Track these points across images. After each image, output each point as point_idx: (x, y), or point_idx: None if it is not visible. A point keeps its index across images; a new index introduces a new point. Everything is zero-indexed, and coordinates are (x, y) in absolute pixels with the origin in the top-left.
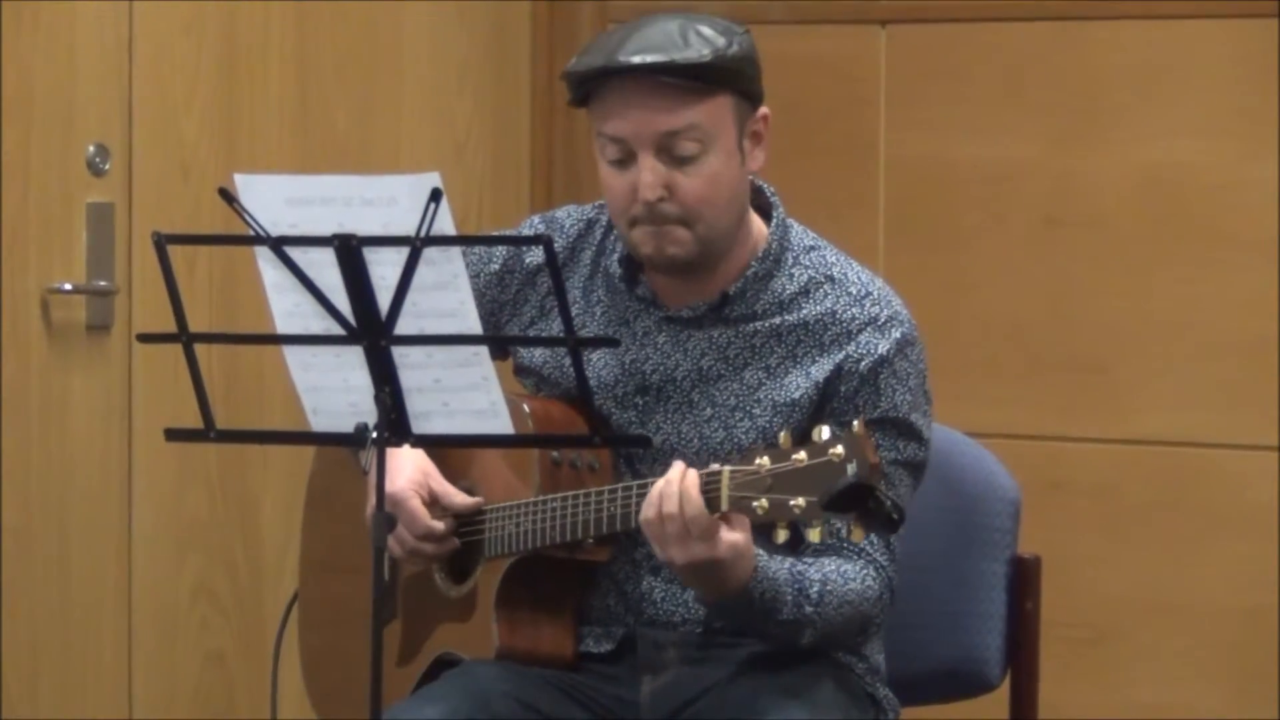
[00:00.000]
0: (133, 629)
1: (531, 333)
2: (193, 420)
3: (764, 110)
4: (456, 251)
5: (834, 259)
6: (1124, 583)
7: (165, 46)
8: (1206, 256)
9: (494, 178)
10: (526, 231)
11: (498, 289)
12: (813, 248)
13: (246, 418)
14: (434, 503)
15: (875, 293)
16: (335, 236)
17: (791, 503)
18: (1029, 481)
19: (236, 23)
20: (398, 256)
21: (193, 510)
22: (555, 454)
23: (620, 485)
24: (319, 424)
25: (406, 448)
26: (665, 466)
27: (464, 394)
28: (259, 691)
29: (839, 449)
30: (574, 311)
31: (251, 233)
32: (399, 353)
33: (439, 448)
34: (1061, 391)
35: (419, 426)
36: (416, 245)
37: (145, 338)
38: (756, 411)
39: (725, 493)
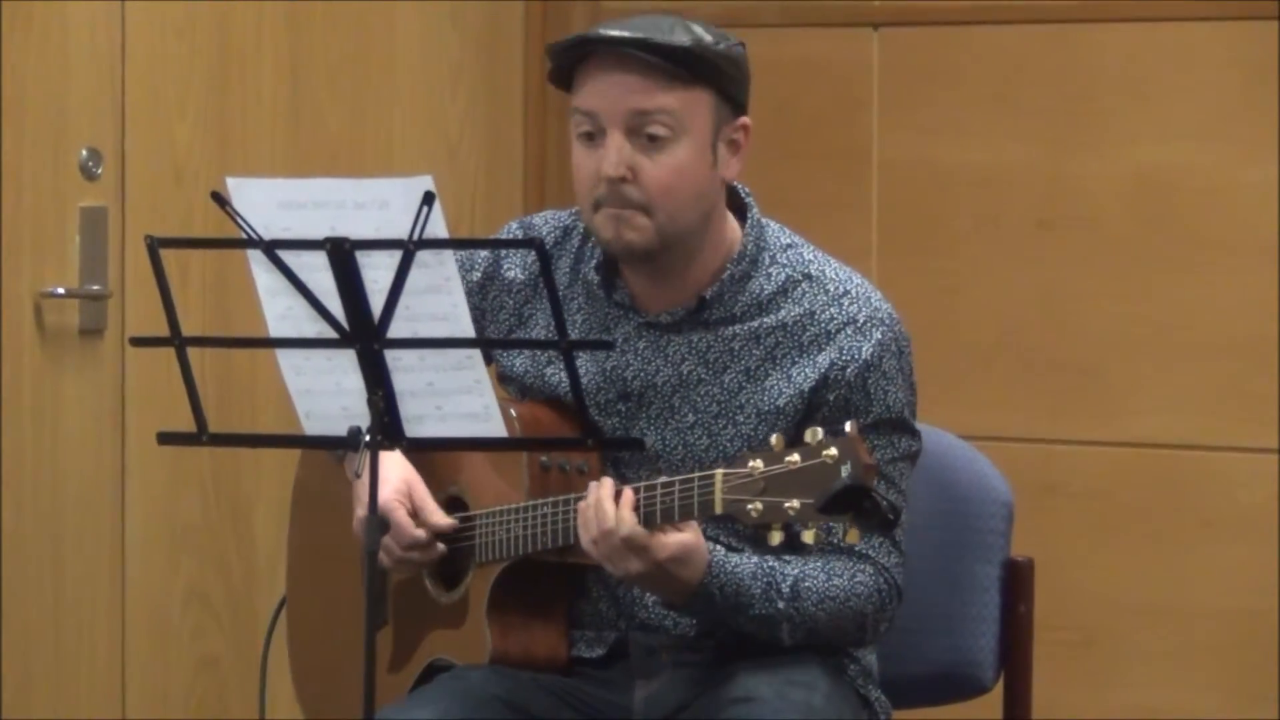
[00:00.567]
0: (126, 633)
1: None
2: (185, 424)
3: (745, 120)
4: (449, 255)
5: (811, 256)
6: (1117, 585)
7: (157, 50)
8: (1199, 259)
9: (487, 180)
10: (505, 237)
11: (479, 298)
12: (790, 246)
13: (239, 421)
14: (415, 514)
15: (853, 291)
16: (328, 240)
17: (786, 505)
18: (1022, 484)
19: (228, 26)
20: (390, 260)
21: (186, 514)
22: (545, 458)
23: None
24: (311, 427)
25: (390, 457)
26: (652, 471)
27: (457, 397)
28: (252, 696)
29: (832, 451)
30: None
31: (244, 236)
32: (391, 356)
33: (429, 451)
34: (1054, 394)
35: (411, 430)
36: (409, 248)
37: (138, 341)
38: (740, 419)
39: (719, 495)
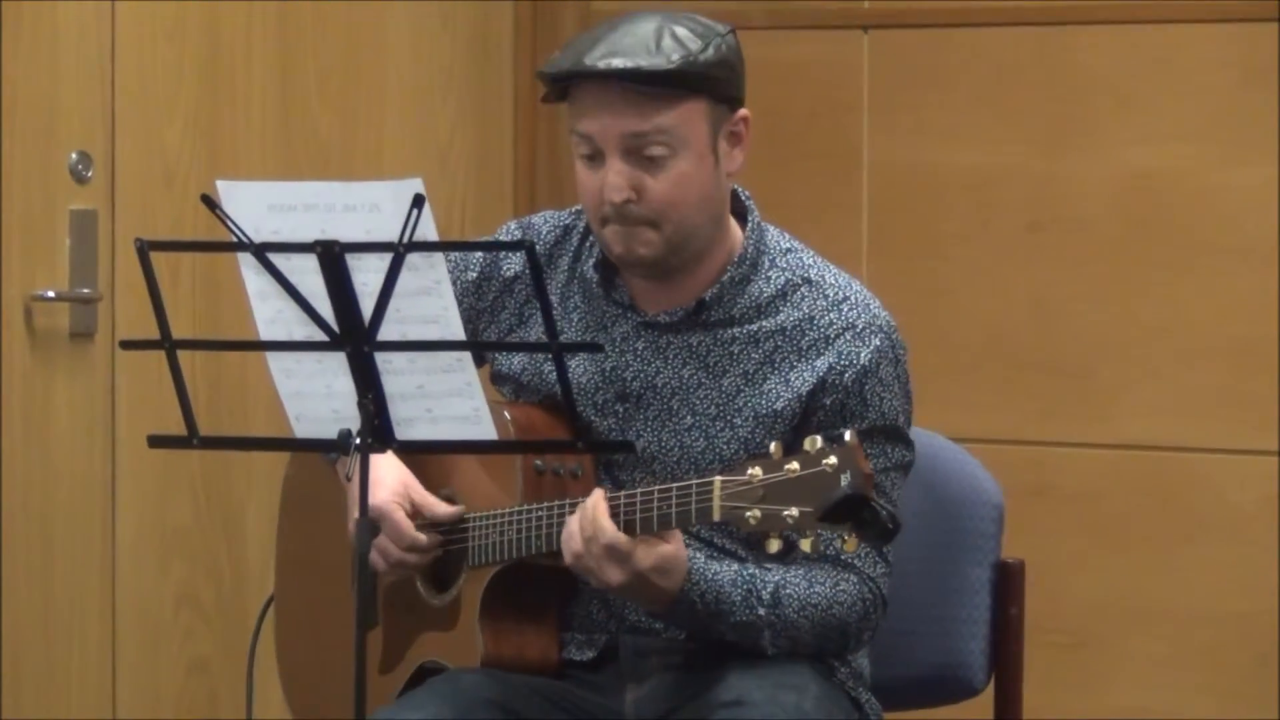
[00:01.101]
0: (116, 636)
1: (509, 340)
2: (176, 427)
3: (743, 111)
4: (439, 257)
5: (811, 261)
6: (1107, 587)
7: (147, 52)
8: (1189, 262)
9: (477, 183)
10: (504, 237)
11: (475, 297)
12: (789, 250)
13: (230, 424)
14: (415, 514)
15: (853, 297)
16: (318, 242)
17: (785, 513)
18: (1012, 487)
19: (219, 29)
20: (380, 262)
21: (176, 517)
22: (539, 461)
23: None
24: (302, 430)
25: (386, 459)
26: (647, 473)
27: (447, 400)
28: (242, 698)
29: (832, 459)
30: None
31: (234, 239)
32: (382, 359)
33: (420, 455)
34: (1044, 396)
35: (402, 433)
36: (399, 251)
37: (128, 344)
38: (738, 421)
39: (717, 503)
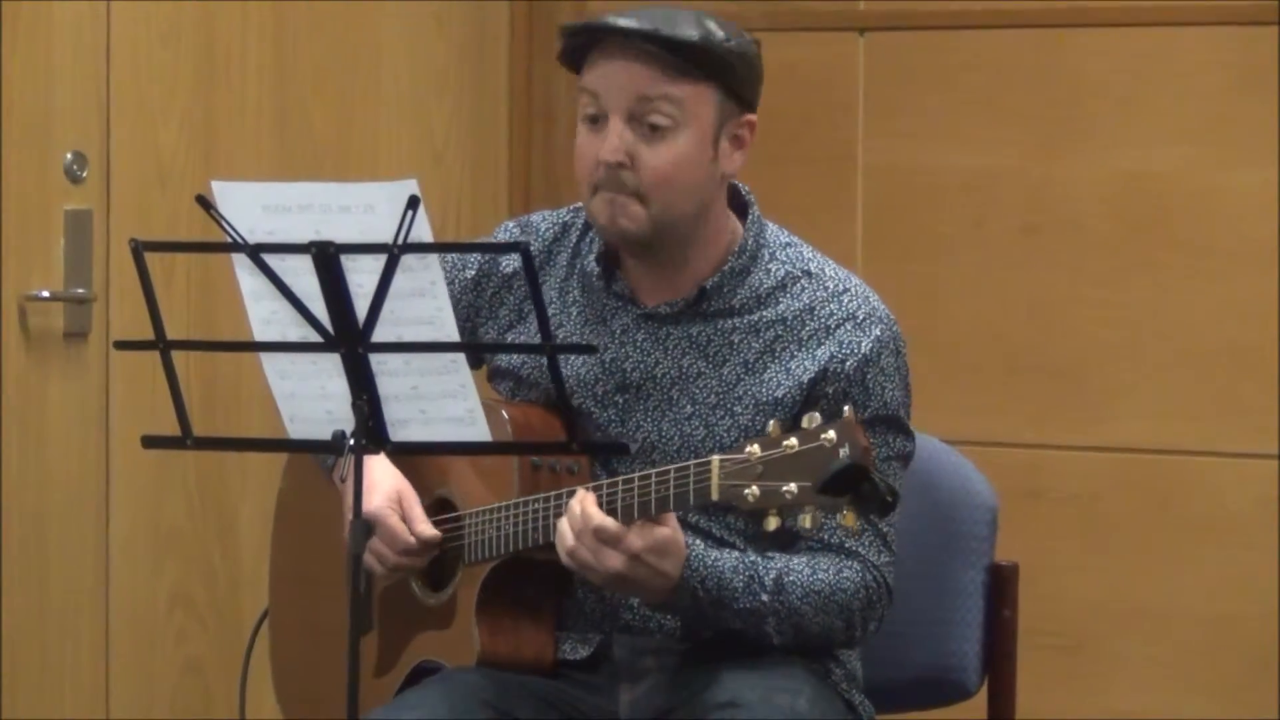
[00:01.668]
0: (110, 636)
1: (509, 338)
2: (170, 427)
3: (752, 117)
4: (434, 259)
5: (810, 255)
6: (1101, 590)
7: (143, 53)
8: (1184, 264)
9: (472, 184)
10: (501, 236)
11: (473, 294)
12: (789, 244)
13: (224, 425)
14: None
15: (853, 289)
16: (312, 244)
17: (784, 488)
18: (1006, 489)
19: (214, 29)
20: (375, 264)
21: (170, 518)
22: (536, 458)
23: (592, 485)
24: (296, 431)
25: (381, 465)
26: (646, 464)
27: (442, 401)
28: (235, 700)
29: (830, 434)
30: (550, 313)
31: (229, 240)
32: (376, 360)
33: (416, 455)
34: (1039, 399)
35: (396, 434)
36: (394, 252)
37: (123, 345)
38: (738, 410)
39: (715, 481)
